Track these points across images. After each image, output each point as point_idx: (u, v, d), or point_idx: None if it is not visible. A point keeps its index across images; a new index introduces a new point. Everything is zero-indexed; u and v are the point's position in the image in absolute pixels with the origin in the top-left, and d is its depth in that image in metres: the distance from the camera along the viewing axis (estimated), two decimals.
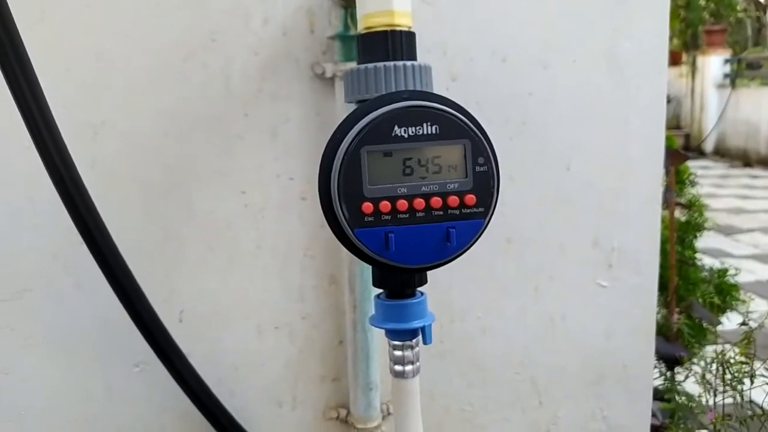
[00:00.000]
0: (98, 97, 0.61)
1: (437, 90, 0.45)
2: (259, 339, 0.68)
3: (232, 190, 0.64)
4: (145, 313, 0.59)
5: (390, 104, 0.39)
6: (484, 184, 0.40)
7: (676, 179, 1.41)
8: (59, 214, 0.53)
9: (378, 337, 0.66)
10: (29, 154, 0.53)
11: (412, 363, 0.49)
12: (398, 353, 0.49)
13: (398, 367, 0.49)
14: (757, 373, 1.06)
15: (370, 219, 0.39)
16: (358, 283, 0.65)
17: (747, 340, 1.08)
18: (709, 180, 6.36)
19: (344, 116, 0.41)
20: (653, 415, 1.29)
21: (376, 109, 0.39)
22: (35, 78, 0.49)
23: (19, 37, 0.47)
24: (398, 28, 0.44)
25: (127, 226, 0.60)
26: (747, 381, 1.03)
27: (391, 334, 0.48)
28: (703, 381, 1.09)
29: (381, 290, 0.49)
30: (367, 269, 0.64)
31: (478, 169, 0.40)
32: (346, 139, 0.39)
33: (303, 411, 0.70)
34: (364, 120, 0.39)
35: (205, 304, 0.66)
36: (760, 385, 1.01)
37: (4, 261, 0.61)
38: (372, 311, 0.51)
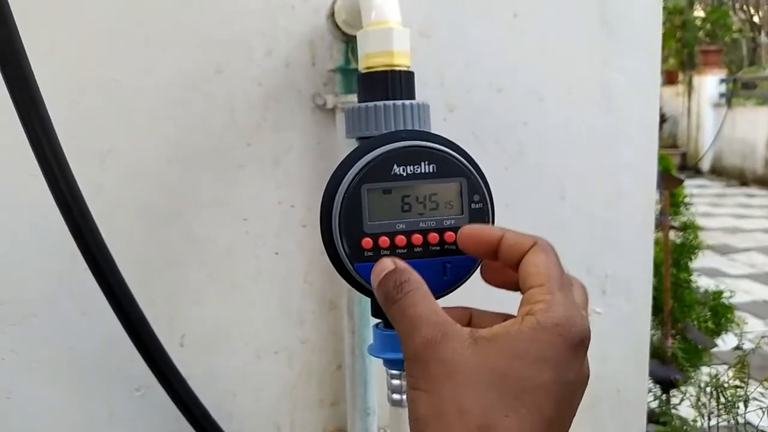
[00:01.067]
0: (105, 126, 0.62)
1: (435, 120, 0.47)
2: (258, 363, 0.69)
3: (234, 218, 0.66)
4: (147, 338, 0.60)
5: (389, 143, 0.41)
6: (480, 220, 0.42)
7: (670, 202, 1.43)
8: (65, 240, 0.54)
9: (376, 362, 0.67)
10: (36, 181, 0.55)
11: None
12: (396, 382, 0.50)
13: (396, 396, 0.50)
14: (752, 396, 1.07)
15: (369, 254, 0.41)
16: (356, 308, 0.67)
17: (741, 364, 1.09)
18: (705, 199, 6.40)
19: (345, 148, 0.43)
20: None
21: (376, 148, 0.41)
22: (44, 107, 0.50)
23: (30, 67, 0.49)
24: (397, 68, 0.46)
25: (131, 253, 0.61)
26: (741, 405, 1.04)
27: (389, 363, 0.49)
28: (698, 405, 1.10)
29: (379, 320, 0.50)
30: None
31: (473, 206, 0.42)
32: (347, 177, 0.41)
33: None
34: (364, 159, 0.40)
35: (206, 328, 0.67)
36: (754, 410, 1.02)
37: (10, 286, 0.63)
38: (370, 337, 0.52)
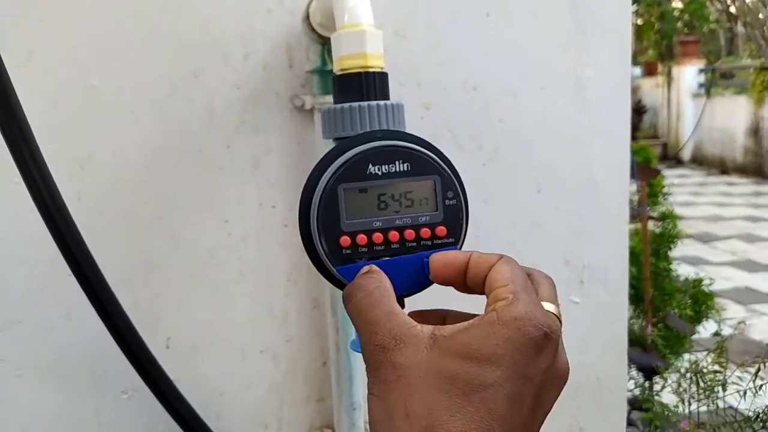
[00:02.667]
0: (85, 132, 0.63)
1: (412, 119, 0.48)
2: (244, 362, 0.70)
3: (216, 220, 0.66)
4: (132, 341, 0.61)
5: (364, 143, 0.42)
6: (454, 216, 0.43)
7: (649, 192, 1.45)
8: (47, 246, 0.55)
9: (360, 358, 0.68)
10: (17, 189, 0.55)
11: None
12: None
13: None
14: (731, 380, 1.10)
15: (348, 252, 0.42)
16: (339, 306, 0.68)
17: (719, 349, 1.12)
18: (686, 188, 6.48)
19: (324, 148, 0.43)
20: (633, 424, 1.32)
21: (352, 149, 0.42)
22: (23, 115, 0.51)
23: (7, 74, 0.50)
24: (371, 70, 0.47)
25: (114, 257, 0.62)
26: (720, 389, 1.07)
27: None
28: (679, 390, 1.12)
29: None
30: None
31: (447, 202, 0.43)
32: (323, 177, 0.42)
33: None
34: (340, 159, 0.42)
35: (191, 330, 0.68)
36: (731, 393, 1.04)
37: None
38: (353, 333, 0.53)
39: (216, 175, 0.65)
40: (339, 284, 0.44)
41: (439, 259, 0.39)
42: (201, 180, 0.65)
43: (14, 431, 0.65)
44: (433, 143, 0.43)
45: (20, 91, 0.50)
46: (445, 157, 0.44)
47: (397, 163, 0.42)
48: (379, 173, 0.42)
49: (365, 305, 0.34)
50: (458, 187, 0.43)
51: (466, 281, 0.38)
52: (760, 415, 0.96)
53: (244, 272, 0.68)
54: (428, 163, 0.42)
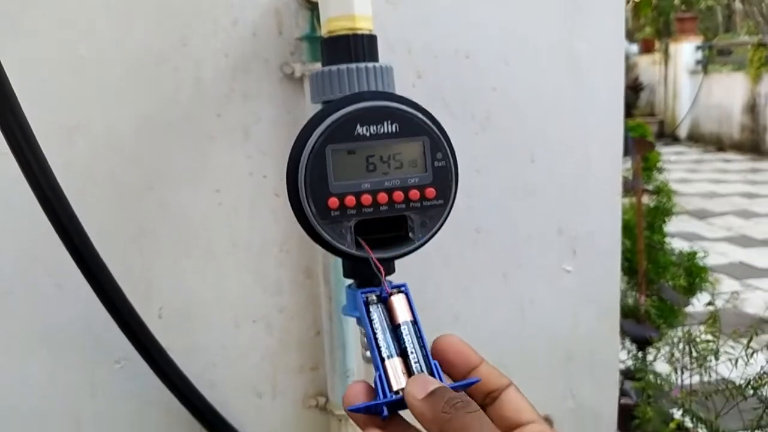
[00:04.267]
0: (72, 101, 0.62)
1: (404, 87, 0.48)
2: (237, 332, 0.70)
3: (206, 189, 0.66)
4: (124, 311, 0.61)
5: (352, 104, 0.41)
6: (443, 177, 0.43)
7: (644, 166, 1.45)
8: (37, 216, 0.55)
9: (354, 327, 0.69)
10: (5, 160, 0.55)
11: None
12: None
13: (369, 353, 0.51)
14: (722, 350, 1.11)
15: (336, 213, 0.42)
16: (332, 275, 0.68)
17: (713, 319, 1.13)
18: (682, 165, 6.48)
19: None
20: (627, 394, 1.33)
21: (340, 110, 0.41)
22: (9, 84, 0.50)
23: None
24: (360, 32, 0.46)
25: (104, 227, 0.62)
26: (712, 358, 1.08)
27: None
28: (672, 360, 1.13)
29: (350, 281, 0.51)
30: (340, 261, 0.66)
31: (437, 164, 0.43)
32: (311, 139, 0.41)
33: (283, 400, 0.73)
34: (328, 120, 0.41)
35: (183, 300, 0.68)
36: (723, 362, 1.05)
37: None
38: (345, 301, 0.53)
39: (206, 144, 0.65)
40: (327, 246, 0.44)
41: (458, 342, 0.35)
42: (191, 149, 0.65)
43: (7, 402, 0.65)
44: None
45: (6, 60, 0.49)
46: (434, 119, 0.44)
47: (385, 123, 0.42)
48: (368, 134, 0.41)
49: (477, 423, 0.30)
50: (447, 148, 0.43)
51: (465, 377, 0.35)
52: (751, 382, 0.97)
53: (236, 242, 0.68)
54: (417, 124, 0.42)
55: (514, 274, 0.77)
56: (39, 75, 0.61)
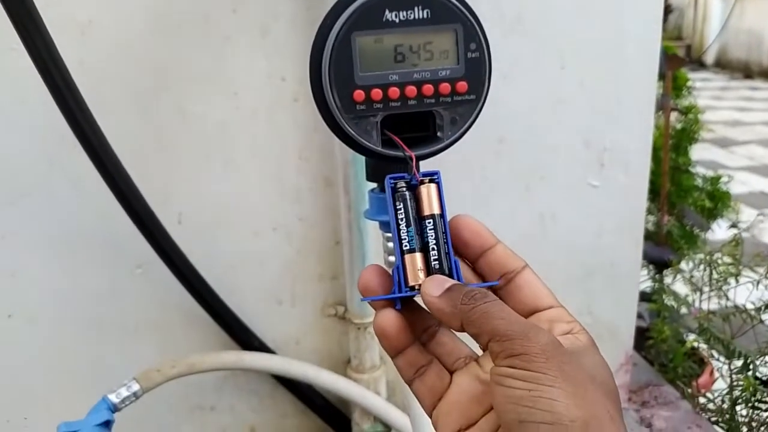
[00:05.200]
0: None
1: None
2: (256, 240, 0.69)
3: (224, 92, 0.64)
4: (144, 215, 0.60)
5: None
6: (476, 71, 0.40)
7: (673, 85, 1.39)
8: (52, 116, 0.53)
9: (373, 237, 0.68)
10: (16, 55, 0.53)
11: None
12: (392, 245, 0.50)
13: (392, 258, 0.50)
14: (743, 273, 1.09)
15: (361, 107, 0.39)
16: (352, 184, 0.66)
17: (735, 242, 1.11)
18: (708, 92, 6.28)
19: None
20: (640, 316, 1.34)
21: None
22: None
23: None
24: None
25: (121, 129, 0.60)
26: (732, 281, 1.07)
27: (385, 226, 0.49)
28: (690, 281, 1.13)
29: (375, 185, 0.49)
30: (362, 171, 0.64)
31: (470, 55, 0.40)
32: (336, 26, 0.38)
33: (302, 308, 0.73)
34: (354, 4, 0.38)
35: (203, 206, 0.67)
36: (744, 283, 1.04)
37: (0, 166, 0.62)
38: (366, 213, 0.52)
39: (222, 44, 0.62)
40: (352, 143, 0.42)
41: (473, 222, 0.34)
42: (207, 48, 0.62)
43: (30, 305, 0.66)
44: None
45: None
46: (468, 5, 0.40)
47: (416, 9, 0.38)
48: (397, 20, 0.38)
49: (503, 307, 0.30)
50: (482, 38, 0.40)
51: (477, 260, 0.34)
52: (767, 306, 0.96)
53: (254, 148, 0.66)
54: (450, 10, 0.39)
55: (537, 186, 0.75)
56: None
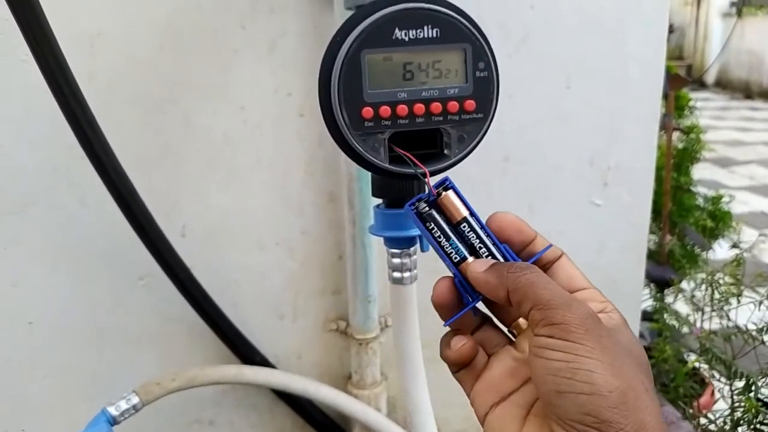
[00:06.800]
0: (94, 6, 0.60)
1: None
2: (260, 254, 0.69)
3: (230, 106, 0.64)
4: (148, 227, 0.60)
5: (391, 6, 0.39)
6: (484, 89, 0.40)
7: (675, 105, 1.40)
8: (59, 127, 0.53)
9: (376, 251, 0.68)
10: (26, 66, 0.53)
11: (410, 270, 0.50)
12: (397, 261, 0.50)
13: (397, 274, 0.50)
14: (744, 293, 1.09)
15: (369, 124, 0.40)
16: (357, 199, 0.66)
17: (737, 262, 1.10)
18: (708, 112, 6.30)
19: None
20: (642, 336, 1.33)
21: (377, 12, 0.39)
22: None
23: None
24: None
25: (127, 141, 0.60)
26: (734, 301, 1.06)
27: (390, 242, 0.49)
28: (692, 300, 1.12)
29: (380, 200, 0.50)
30: (367, 185, 0.64)
31: (478, 74, 0.40)
32: (345, 43, 0.39)
33: (304, 322, 0.73)
34: (364, 23, 0.39)
35: (207, 219, 0.67)
36: (746, 304, 1.04)
37: (5, 175, 0.62)
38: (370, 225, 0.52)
39: (230, 57, 0.62)
40: (358, 158, 0.43)
41: (512, 219, 0.35)
42: (215, 62, 0.62)
43: (31, 314, 0.66)
44: None
45: None
46: (477, 25, 0.41)
47: (425, 28, 0.39)
48: (406, 39, 0.39)
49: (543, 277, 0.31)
50: (490, 57, 0.40)
51: (523, 249, 0.34)
52: None
53: (260, 161, 0.66)
54: (459, 30, 0.39)
55: (542, 205, 0.75)
56: None
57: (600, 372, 0.26)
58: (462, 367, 0.33)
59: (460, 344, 0.32)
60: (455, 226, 0.34)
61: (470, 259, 0.33)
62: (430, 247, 0.35)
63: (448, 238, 0.34)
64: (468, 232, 0.34)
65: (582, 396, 0.26)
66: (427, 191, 0.35)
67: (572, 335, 0.27)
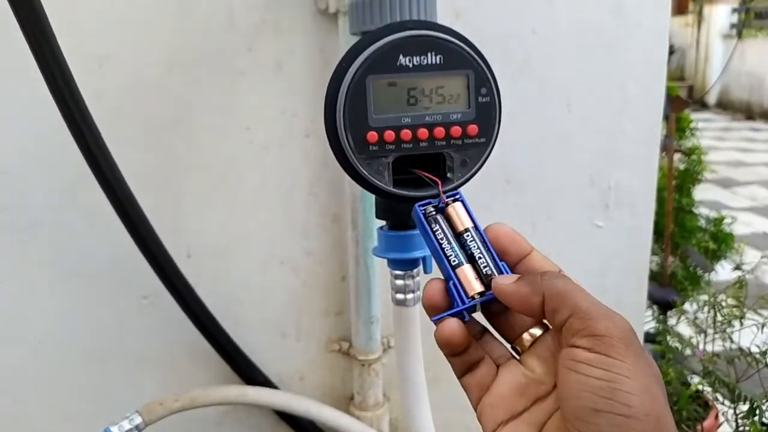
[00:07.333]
0: (103, 28, 0.61)
1: None
2: (263, 273, 0.70)
3: (236, 127, 0.65)
4: (153, 247, 0.61)
5: (395, 33, 0.40)
6: (487, 114, 0.41)
7: (676, 127, 1.41)
8: (66, 147, 0.54)
9: (380, 272, 0.68)
10: (35, 86, 0.54)
11: (413, 292, 0.51)
12: (400, 282, 0.50)
13: (400, 296, 0.51)
14: (747, 316, 1.09)
15: (374, 148, 0.40)
16: (360, 220, 0.67)
17: (739, 284, 1.10)
18: (710, 133, 6.32)
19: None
20: None
21: (382, 38, 0.39)
22: (43, 9, 0.49)
23: None
24: None
25: (134, 161, 0.61)
26: (736, 323, 1.06)
27: (393, 263, 0.50)
28: (694, 322, 1.12)
29: (384, 222, 0.50)
30: (370, 207, 0.65)
31: (480, 99, 0.41)
32: (351, 68, 0.40)
33: (306, 343, 0.73)
34: (369, 49, 0.39)
35: (211, 238, 0.68)
36: (749, 326, 1.04)
37: (12, 195, 0.62)
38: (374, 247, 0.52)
39: (236, 79, 0.63)
40: (364, 182, 0.43)
41: (508, 231, 0.35)
42: (221, 83, 0.63)
43: (36, 332, 0.66)
44: None
45: None
46: (479, 52, 0.41)
47: (429, 54, 0.40)
48: (410, 65, 0.40)
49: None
50: (492, 83, 0.41)
51: (518, 262, 0.34)
52: None
53: (265, 182, 0.67)
54: (462, 57, 0.40)
55: (544, 226, 0.75)
56: (69, 0, 0.60)
57: (637, 395, 0.26)
58: (466, 372, 0.33)
59: (450, 326, 0.32)
60: (458, 235, 0.35)
61: (467, 266, 0.34)
62: (434, 265, 0.35)
63: (449, 242, 0.35)
64: (470, 242, 0.35)
65: (619, 417, 0.26)
66: (437, 200, 0.36)
67: (613, 350, 0.27)
